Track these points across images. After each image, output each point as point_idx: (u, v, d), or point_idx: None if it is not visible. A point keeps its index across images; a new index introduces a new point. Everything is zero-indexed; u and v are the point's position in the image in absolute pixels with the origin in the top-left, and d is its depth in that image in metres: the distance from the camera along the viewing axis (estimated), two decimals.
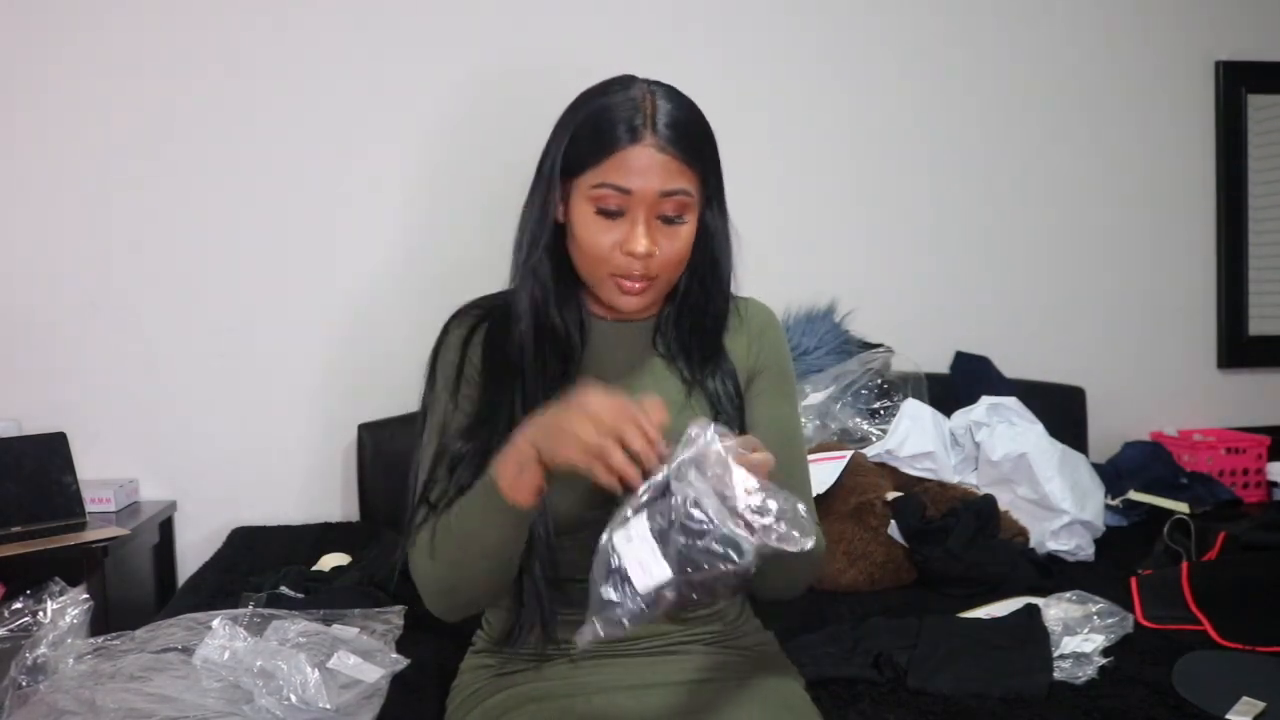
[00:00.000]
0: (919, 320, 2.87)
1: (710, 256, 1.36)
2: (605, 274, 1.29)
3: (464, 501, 1.24)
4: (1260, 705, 1.47)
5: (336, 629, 1.63)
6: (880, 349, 2.64)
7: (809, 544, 1.02)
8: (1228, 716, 1.47)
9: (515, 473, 1.17)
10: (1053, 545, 2.24)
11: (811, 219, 2.86)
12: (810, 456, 2.23)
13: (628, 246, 1.25)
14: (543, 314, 1.33)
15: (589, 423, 1.09)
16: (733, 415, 1.37)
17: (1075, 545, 2.26)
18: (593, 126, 1.27)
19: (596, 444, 1.08)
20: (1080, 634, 1.70)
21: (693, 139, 1.28)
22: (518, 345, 1.34)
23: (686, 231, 1.29)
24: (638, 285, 1.28)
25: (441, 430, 1.33)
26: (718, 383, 1.37)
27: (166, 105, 2.57)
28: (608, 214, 1.26)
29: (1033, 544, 2.20)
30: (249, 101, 2.60)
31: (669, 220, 1.27)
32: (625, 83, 1.30)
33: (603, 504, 1.24)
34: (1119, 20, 2.97)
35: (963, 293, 2.93)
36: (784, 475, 1.32)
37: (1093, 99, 2.96)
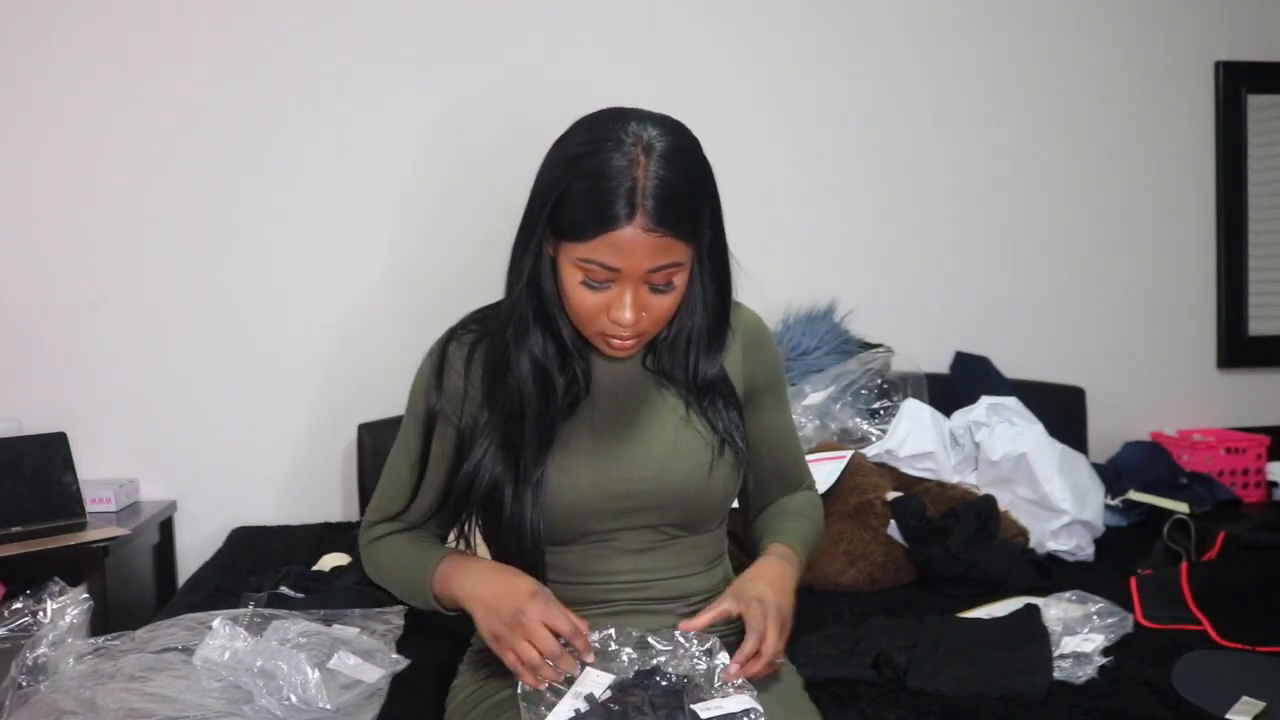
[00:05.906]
0: (919, 320, 2.87)
1: (706, 292, 1.35)
2: (594, 331, 1.30)
3: (406, 562, 1.40)
4: (1260, 705, 1.47)
5: (336, 629, 1.63)
6: (880, 349, 2.64)
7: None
8: (1227, 716, 1.47)
9: (450, 603, 1.35)
10: (1052, 545, 2.24)
11: (812, 219, 2.86)
12: (810, 457, 2.25)
13: (613, 316, 1.26)
14: (542, 360, 1.34)
15: (502, 628, 1.24)
16: (734, 440, 1.37)
17: (1075, 545, 2.26)
18: (584, 196, 1.21)
19: (498, 644, 1.25)
20: (1080, 634, 1.70)
21: (685, 210, 1.23)
22: (517, 388, 1.33)
23: (675, 293, 1.28)
24: (627, 343, 1.30)
25: (420, 454, 1.40)
26: (719, 410, 1.38)
27: (167, 107, 2.57)
28: (594, 285, 1.25)
29: (1032, 544, 2.20)
30: (250, 103, 2.60)
31: (657, 288, 1.26)
32: (617, 137, 1.22)
33: (595, 518, 1.33)
34: (1119, 20, 2.97)
35: (963, 293, 2.93)
36: (789, 472, 1.50)
37: (1092, 99, 2.96)
